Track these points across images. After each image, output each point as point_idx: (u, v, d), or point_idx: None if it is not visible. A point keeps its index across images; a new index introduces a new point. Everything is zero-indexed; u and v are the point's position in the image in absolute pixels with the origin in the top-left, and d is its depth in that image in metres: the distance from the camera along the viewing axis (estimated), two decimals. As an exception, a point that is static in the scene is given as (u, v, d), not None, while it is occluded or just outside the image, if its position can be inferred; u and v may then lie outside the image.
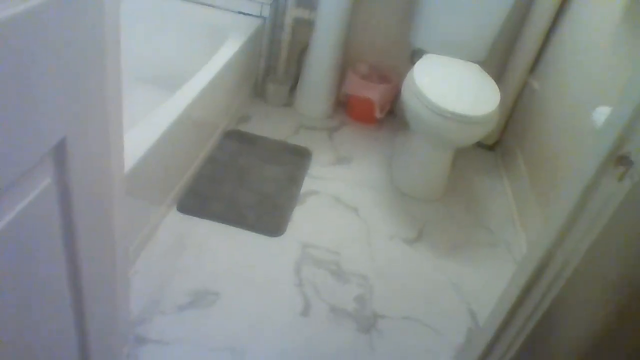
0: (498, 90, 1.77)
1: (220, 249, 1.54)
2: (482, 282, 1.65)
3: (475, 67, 1.94)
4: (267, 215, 1.69)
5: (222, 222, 1.63)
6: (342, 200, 1.86)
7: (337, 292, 1.49)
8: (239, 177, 1.83)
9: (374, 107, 2.26)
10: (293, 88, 2.37)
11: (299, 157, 2.01)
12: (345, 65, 2.32)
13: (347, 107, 2.39)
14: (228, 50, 1.88)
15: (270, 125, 2.18)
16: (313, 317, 1.40)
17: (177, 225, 1.59)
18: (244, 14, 2.14)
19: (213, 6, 2.14)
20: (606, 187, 0.73)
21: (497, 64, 2.25)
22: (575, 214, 0.79)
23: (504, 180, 2.15)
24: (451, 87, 1.73)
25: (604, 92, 1.53)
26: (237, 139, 2.03)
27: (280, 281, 1.49)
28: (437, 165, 1.90)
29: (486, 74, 1.89)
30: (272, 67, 2.41)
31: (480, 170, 2.20)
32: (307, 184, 1.89)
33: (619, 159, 0.69)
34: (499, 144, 2.33)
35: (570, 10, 1.94)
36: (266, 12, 2.14)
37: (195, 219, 1.62)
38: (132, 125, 1.38)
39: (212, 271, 1.47)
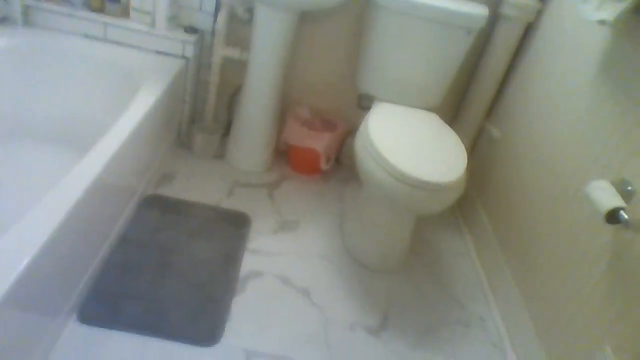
0: (464, 147, 1.55)
1: (137, 375, 1.17)
2: (461, 377, 1.40)
3: (434, 118, 1.71)
4: (198, 314, 1.34)
5: (139, 333, 1.26)
6: (290, 282, 1.54)
7: (294, 421, 1.17)
8: (160, 263, 1.46)
9: (320, 158, 1.98)
10: (224, 137, 2.04)
11: (235, 226, 1.68)
12: (284, 109, 2.03)
13: (288, 158, 2.09)
14: (146, 98, 1.53)
15: (198, 185, 1.83)
16: None
17: (77, 343, 1.20)
18: (163, 53, 1.79)
19: (125, 45, 1.76)
20: None
21: (449, 108, 2.05)
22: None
23: (467, 237, 1.94)
24: (414, 147, 1.48)
25: (580, 142, 1.34)
26: (158, 208, 1.66)
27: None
28: (399, 232, 1.65)
29: (447, 126, 1.67)
30: (199, 113, 2.07)
31: (439, 226, 1.97)
32: (247, 263, 1.56)
33: None
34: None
35: (530, 50, 1.77)
36: (189, 51, 1.80)
37: (103, 332, 1.24)
38: (22, 203, 0.99)
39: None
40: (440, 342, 1.48)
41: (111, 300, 1.31)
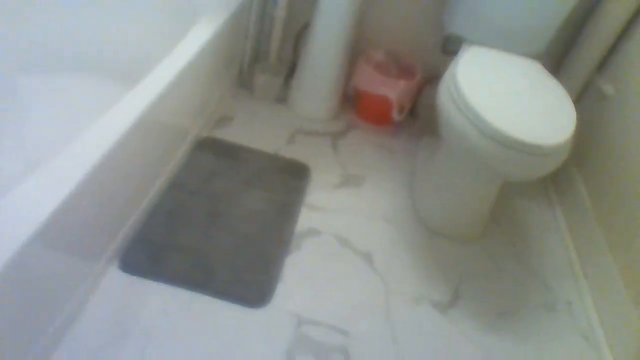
0: (572, 104, 1.27)
1: (179, 333, 1.07)
2: (542, 372, 1.20)
3: (537, 68, 1.43)
4: (248, 271, 1.22)
5: (183, 287, 1.15)
6: (350, 244, 1.38)
7: (346, 403, 1.03)
8: (210, 212, 1.34)
9: (392, 107, 1.76)
10: (288, 79, 1.86)
11: (294, 177, 1.52)
12: (356, 53, 1.80)
13: (357, 106, 1.88)
14: (205, 29, 1.37)
15: (258, 130, 1.68)
16: None
17: (118, 292, 1.11)
18: (224, -19, 1.60)
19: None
20: None
21: (553, 56, 1.73)
22: None
23: (557, 210, 1.67)
24: (512, 100, 1.23)
25: None
26: (213, 152, 1.53)
27: (262, 386, 1.02)
28: (480, 199, 1.43)
29: (553, 78, 1.39)
30: (262, 52, 1.89)
31: (524, 195, 1.72)
32: (304, 219, 1.41)
33: None
34: (547, 158, 1.84)
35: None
36: (254, -21, 1.60)
37: (145, 282, 1.14)
38: (66, 138, 0.90)
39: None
40: (517, 327, 1.28)
41: (156, 250, 1.20)
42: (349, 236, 1.40)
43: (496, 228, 1.56)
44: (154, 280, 1.14)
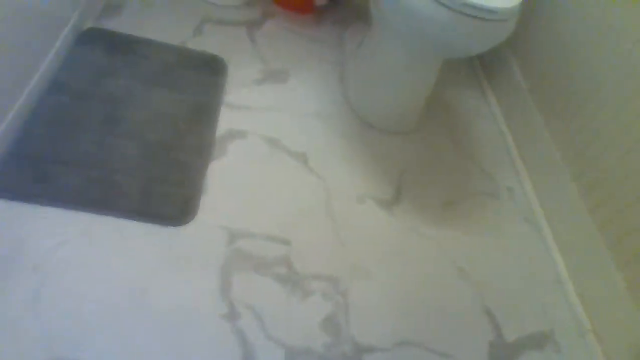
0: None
1: (82, 265, 0.86)
2: (492, 257, 1.16)
3: None
4: (161, 185, 1.01)
5: (81, 209, 0.93)
6: (281, 144, 1.21)
7: (294, 318, 0.91)
8: (107, 118, 1.08)
9: (313, -11, 1.53)
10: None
11: (208, 73, 1.28)
12: None
13: (273, -10, 1.62)
14: None
15: (156, 19, 1.38)
16: (260, 373, 0.83)
17: (-7, 222, 0.86)
18: None
19: None
20: None
21: None
22: None
23: (490, 97, 1.60)
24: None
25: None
26: (102, 46, 1.23)
27: (195, 314, 0.87)
28: (417, 87, 1.29)
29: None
30: None
31: (456, 86, 1.61)
32: (225, 120, 1.20)
33: None
34: (478, 43, 1.74)
35: None
36: None
37: (30, 208, 0.90)
38: None
39: (70, 314, 0.80)
40: (463, 216, 1.22)
41: (38, 167, 0.95)
42: (278, 136, 1.22)
43: (431, 119, 1.45)
44: (40, 204, 0.91)
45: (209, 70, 1.29)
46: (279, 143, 1.21)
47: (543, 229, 1.26)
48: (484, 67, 1.68)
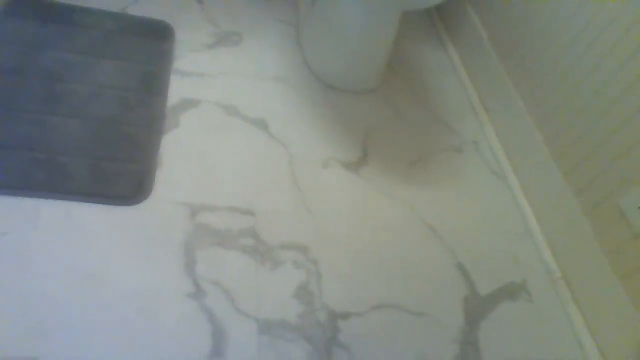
0: None
1: (30, 255, 0.80)
2: (461, 213, 1.15)
3: None
4: (111, 163, 0.94)
5: (24, 194, 0.85)
6: (238, 111, 1.15)
7: (265, 290, 0.88)
8: (44, 95, 1.00)
9: (261, -56, 1.43)
10: None
11: (154, 39, 1.20)
12: None
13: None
14: None
15: (92, -15, 1.27)
16: (233, 351, 0.80)
17: None
18: None
19: None
20: None
21: None
22: None
23: (450, 50, 1.56)
24: None
25: None
26: (32, 15, 1.13)
27: (159, 296, 0.82)
28: (379, 40, 1.24)
29: None
30: None
31: (415, 41, 1.57)
32: (176, 89, 1.13)
33: None
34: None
35: None
36: None
37: (-35, 197, 0.82)
38: None
39: (20, 312, 0.75)
40: (430, 173, 1.20)
41: (-29, 151, 0.87)
42: (235, 102, 1.16)
43: (393, 76, 1.41)
44: (-22, 192, 0.83)
45: (155, 37, 1.20)
46: (236, 110, 1.14)
47: (510, 180, 1.25)
48: (442, 19, 1.64)
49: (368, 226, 1.04)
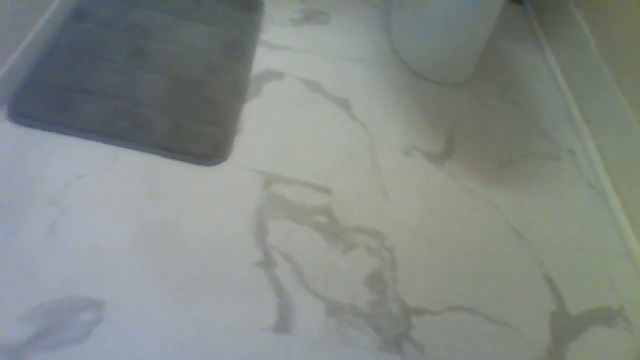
0: None
1: (105, 199, 0.78)
2: (552, 223, 1.04)
3: None
4: (193, 122, 0.91)
5: (105, 140, 0.84)
6: (321, 89, 1.10)
7: (336, 271, 0.81)
8: (134, 49, 0.99)
9: None
10: None
11: (244, 9, 1.17)
12: None
13: None
14: None
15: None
16: (299, 329, 0.74)
17: (11, 149, 0.78)
18: None
19: None
20: None
21: None
22: None
23: (548, 54, 1.45)
24: None
25: None
26: (130, -25, 1.13)
27: (229, 258, 0.78)
28: (476, 30, 1.16)
29: None
30: None
31: (511, 40, 1.47)
32: (261, 60, 1.10)
33: None
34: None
35: None
36: None
37: (50, 136, 0.82)
38: None
39: (90, 252, 0.72)
40: (520, 177, 1.10)
41: (60, 95, 0.86)
42: (319, 79, 1.11)
43: (485, 73, 1.32)
44: (61, 132, 0.82)
45: (245, 8, 1.18)
46: (319, 87, 1.10)
47: (609, 196, 1.13)
48: (542, 21, 1.53)
49: (449, 222, 0.96)
